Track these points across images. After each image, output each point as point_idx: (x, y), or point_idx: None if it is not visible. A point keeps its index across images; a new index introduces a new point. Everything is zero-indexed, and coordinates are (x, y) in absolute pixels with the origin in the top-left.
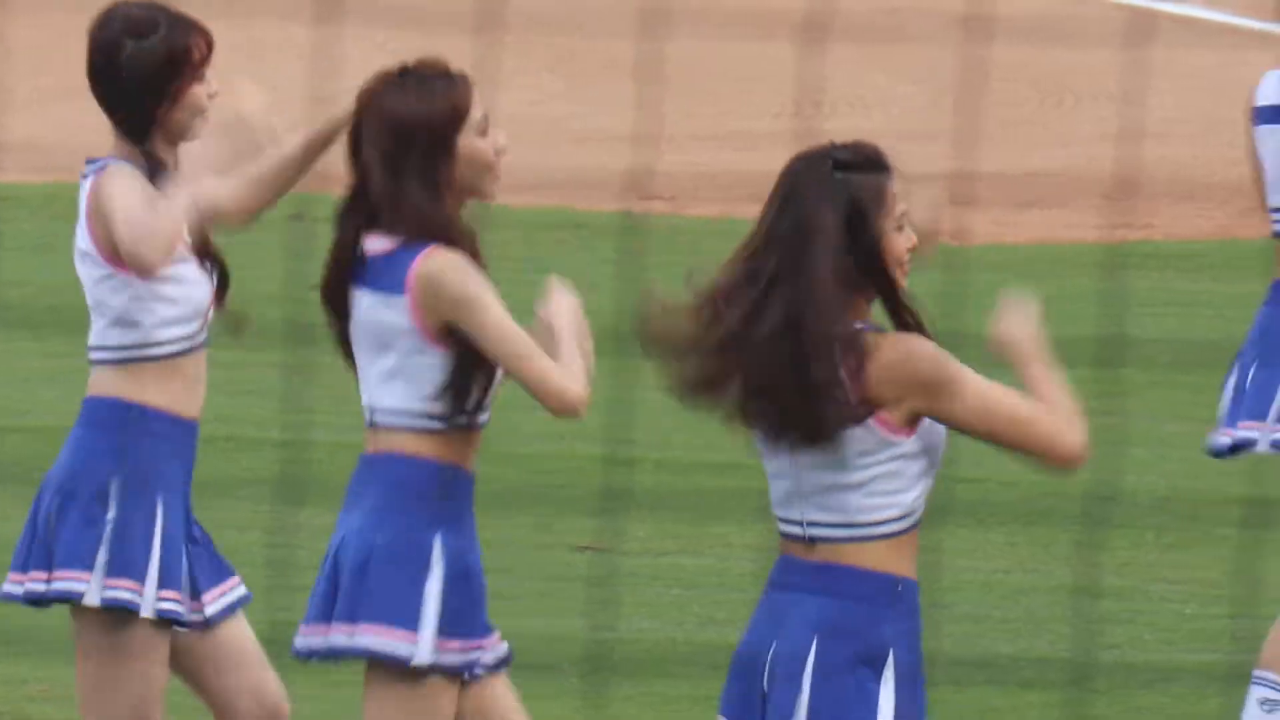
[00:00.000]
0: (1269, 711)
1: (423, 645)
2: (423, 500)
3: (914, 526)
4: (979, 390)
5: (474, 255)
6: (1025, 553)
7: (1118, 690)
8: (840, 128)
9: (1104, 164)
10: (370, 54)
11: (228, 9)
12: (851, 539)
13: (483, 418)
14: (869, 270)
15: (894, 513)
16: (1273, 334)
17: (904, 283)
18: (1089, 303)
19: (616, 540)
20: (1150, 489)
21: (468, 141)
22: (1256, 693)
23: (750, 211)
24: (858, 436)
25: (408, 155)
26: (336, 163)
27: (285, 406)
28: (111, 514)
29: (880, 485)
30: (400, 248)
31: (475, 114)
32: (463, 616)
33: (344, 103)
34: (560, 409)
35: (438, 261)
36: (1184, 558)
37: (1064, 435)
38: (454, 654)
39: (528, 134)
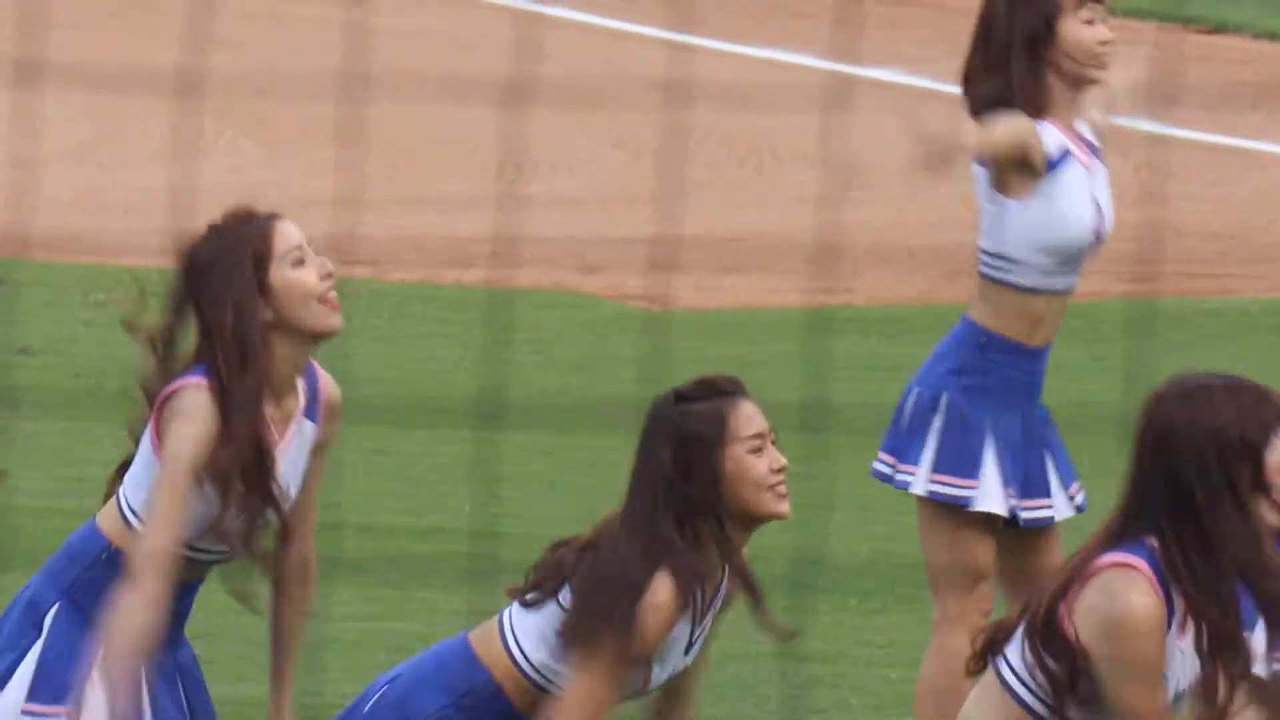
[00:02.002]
0: None
1: None
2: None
3: None
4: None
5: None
6: (732, 617)
7: None
8: (542, 190)
9: (805, 228)
10: (72, 117)
11: None
12: None
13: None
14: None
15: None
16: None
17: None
18: (792, 367)
19: (322, 605)
20: (853, 553)
21: (279, 276)
22: None
23: (452, 276)
24: None
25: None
26: (40, 227)
27: None
28: None
29: None
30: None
31: (281, 246)
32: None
33: None
34: None
35: (179, 398)
36: (888, 621)
37: None
38: None
39: (228, 199)
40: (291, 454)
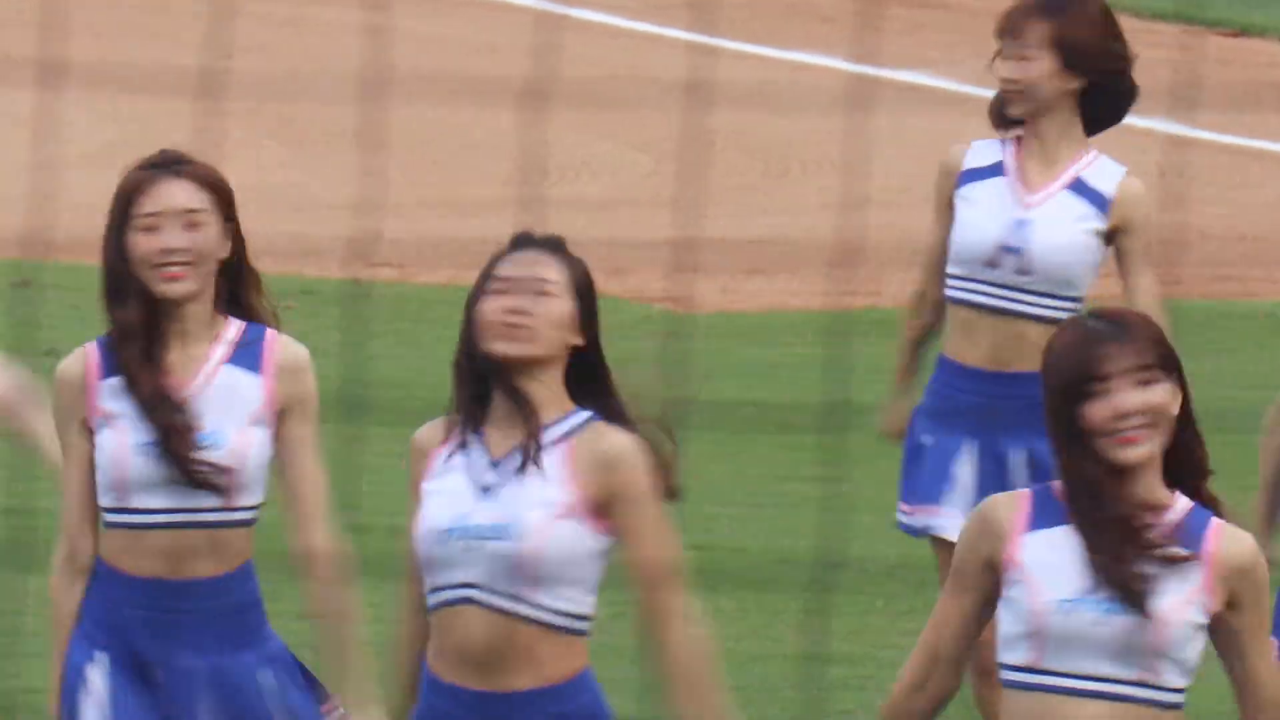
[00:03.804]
0: None
1: None
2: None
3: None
4: None
5: (137, 347)
6: (756, 620)
7: None
8: (566, 194)
9: (828, 231)
10: (95, 121)
11: None
12: None
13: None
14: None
15: None
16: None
17: None
18: (815, 370)
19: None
20: (878, 555)
21: (128, 237)
22: None
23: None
24: None
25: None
26: (63, 229)
27: (13, 475)
28: None
29: None
30: None
31: (138, 209)
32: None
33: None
34: None
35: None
36: (914, 624)
37: None
38: None
39: (252, 202)
40: (214, 400)
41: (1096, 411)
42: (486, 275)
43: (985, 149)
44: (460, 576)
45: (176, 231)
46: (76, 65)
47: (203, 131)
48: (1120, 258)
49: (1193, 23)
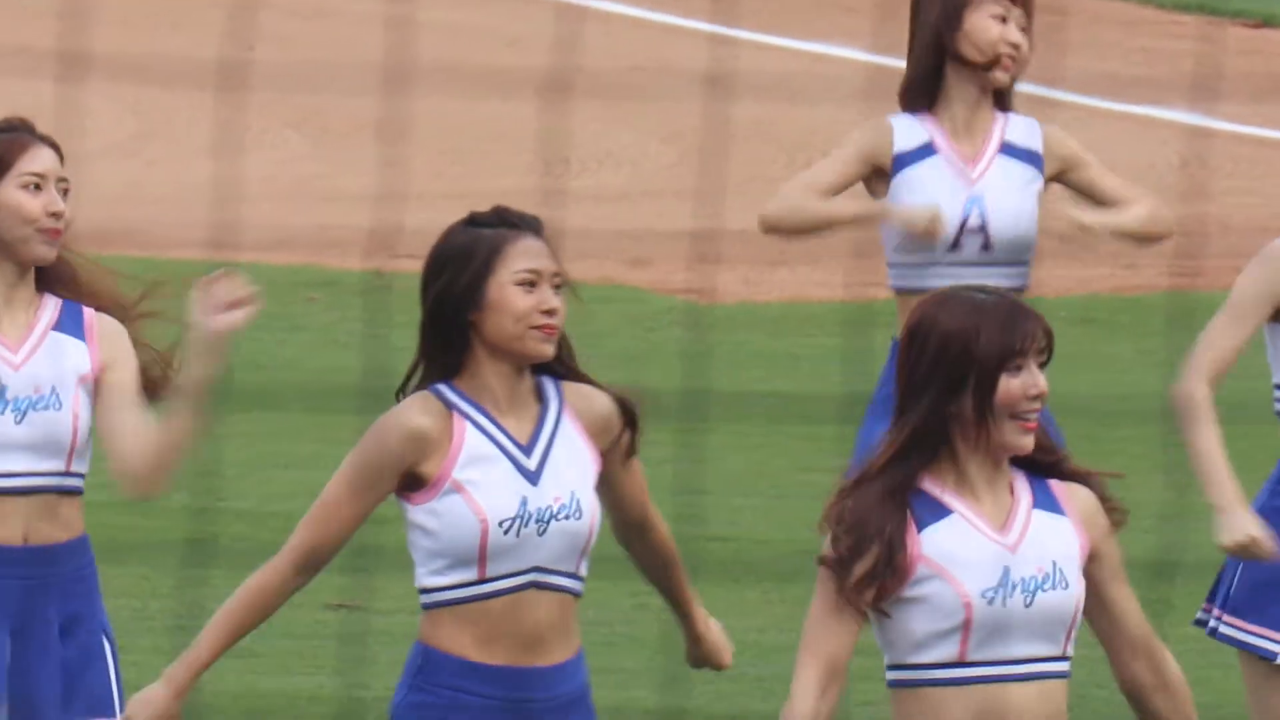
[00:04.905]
0: None
1: None
2: None
3: (466, 600)
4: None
5: None
6: (780, 611)
7: None
8: (588, 185)
9: None
10: (118, 112)
11: None
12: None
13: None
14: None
15: (428, 583)
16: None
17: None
18: (837, 360)
19: (369, 598)
20: None
21: (6, 192)
22: None
23: None
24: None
25: None
26: (87, 221)
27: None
28: None
29: (414, 555)
30: None
31: (22, 166)
32: None
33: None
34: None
35: None
36: None
37: None
38: None
39: (274, 193)
40: (42, 360)
41: (1014, 388)
42: (499, 254)
43: (907, 129)
44: (527, 561)
45: (57, 195)
46: (98, 57)
47: (225, 123)
48: (1087, 190)
49: (1214, 14)
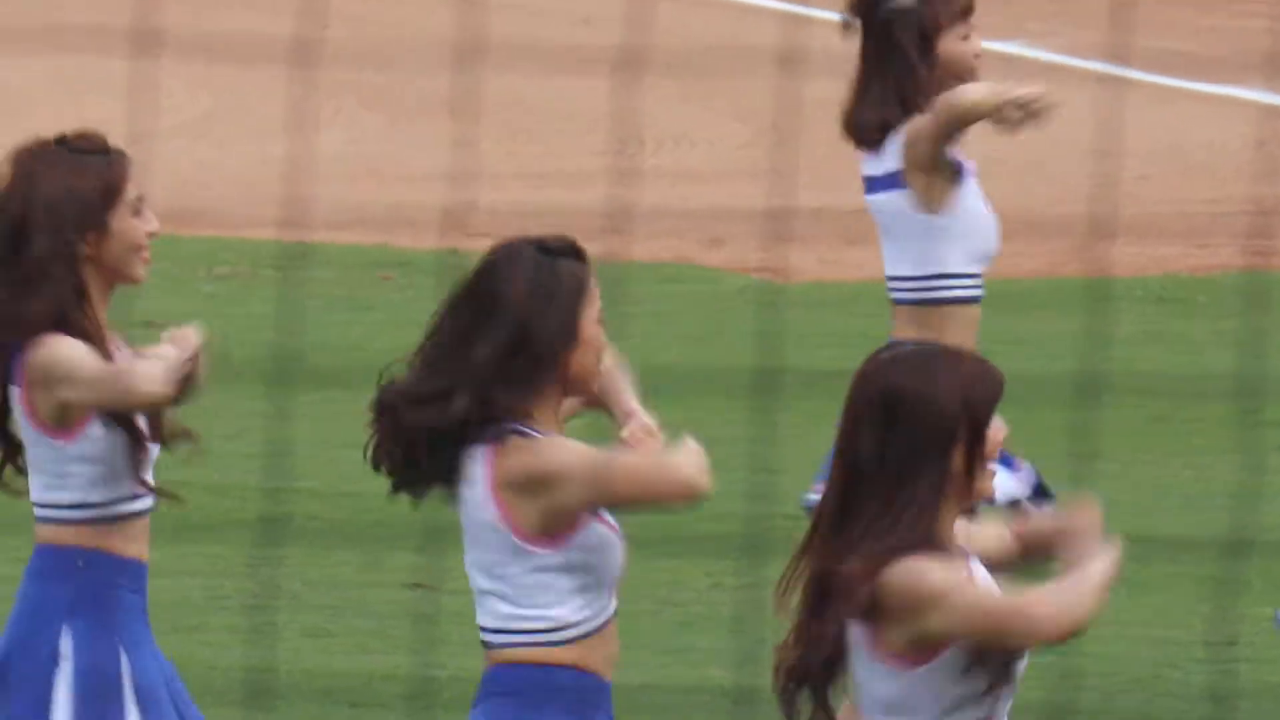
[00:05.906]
0: None
1: None
2: (54, 589)
3: (589, 634)
4: (591, 475)
5: (97, 341)
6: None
7: None
8: (662, 164)
9: None
10: (191, 91)
11: (42, 43)
12: (508, 644)
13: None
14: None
15: (543, 624)
16: None
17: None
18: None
19: (441, 578)
20: None
21: (121, 221)
22: None
23: None
24: (493, 544)
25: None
26: (160, 200)
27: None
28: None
29: (528, 597)
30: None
31: (130, 193)
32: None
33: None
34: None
35: (47, 346)
36: None
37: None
38: None
39: (346, 172)
40: None
41: (995, 435)
42: (586, 291)
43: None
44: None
45: (151, 215)
46: (172, 36)
47: (298, 101)
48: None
49: None
